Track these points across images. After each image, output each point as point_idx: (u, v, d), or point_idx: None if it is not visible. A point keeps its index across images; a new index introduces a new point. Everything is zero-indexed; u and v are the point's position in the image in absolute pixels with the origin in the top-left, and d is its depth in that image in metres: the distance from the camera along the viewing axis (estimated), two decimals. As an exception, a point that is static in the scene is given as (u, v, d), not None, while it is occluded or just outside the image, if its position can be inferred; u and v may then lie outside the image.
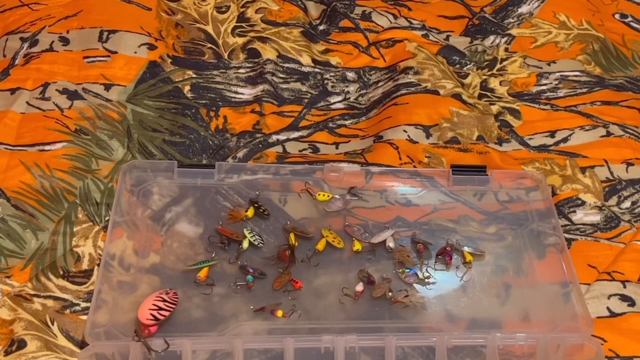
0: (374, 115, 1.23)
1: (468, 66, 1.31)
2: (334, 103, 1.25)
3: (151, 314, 0.90)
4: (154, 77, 1.23)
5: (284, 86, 1.26)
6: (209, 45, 1.30)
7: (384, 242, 1.02)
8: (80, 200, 1.07)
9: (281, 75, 1.27)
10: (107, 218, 1.05)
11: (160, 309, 0.91)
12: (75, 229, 1.04)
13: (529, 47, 1.34)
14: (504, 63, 1.31)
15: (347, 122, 1.22)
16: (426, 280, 0.99)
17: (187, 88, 1.23)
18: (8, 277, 0.98)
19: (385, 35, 1.34)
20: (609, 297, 1.01)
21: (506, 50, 1.33)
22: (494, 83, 1.28)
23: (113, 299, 0.93)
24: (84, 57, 1.24)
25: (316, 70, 1.29)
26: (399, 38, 1.33)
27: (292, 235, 1.01)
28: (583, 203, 1.11)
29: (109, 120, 1.17)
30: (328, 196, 1.07)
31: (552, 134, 1.20)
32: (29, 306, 0.95)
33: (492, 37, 1.36)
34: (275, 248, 1.01)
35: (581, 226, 1.09)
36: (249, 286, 0.96)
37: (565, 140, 1.19)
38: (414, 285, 0.98)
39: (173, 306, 0.92)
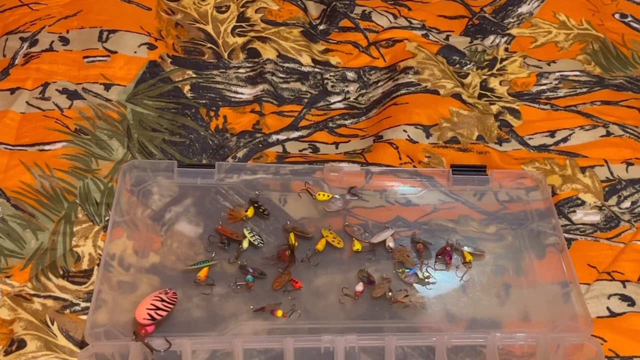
0: (374, 115, 1.23)
1: (468, 66, 1.31)
2: (334, 103, 1.25)
3: (148, 314, 0.90)
4: (154, 77, 1.23)
5: (284, 86, 1.26)
6: (209, 45, 1.30)
7: (384, 242, 1.02)
8: (80, 200, 1.07)
9: (281, 75, 1.27)
10: (107, 218, 1.05)
11: (158, 308, 0.91)
12: (75, 229, 1.04)
13: (529, 47, 1.34)
14: (504, 63, 1.31)
15: (347, 122, 1.22)
16: (426, 280, 0.99)
17: (187, 88, 1.23)
18: (8, 277, 0.98)
19: (385, 35, 1.34)
20: (609, 297, 1.01)
21: (506, 50, 1.33)
22: (493, 83, 1.28)
23: (113, 298, 0.93)
24: (84, 57, 1.24)
25: (316, 70, 1.29)
26: (399, 38, 1.33)
27: (292, 235, 1.01)
28: (583, 203, 1.11)
29: (109, 120, 1.17)
30: (328, 196, 1.07)
31: (552, 133, 1.20)
32: (29, 306, 0.95)
33: (492, 37, 1.36)
34: (275, 248, 1.01)
35: (581, 226, 1.09)
36: (249, 286, 0.96)
37: (565, 140, 1.19)
38: (414, 285, 0.99)
39: (171, 306, 0.92)
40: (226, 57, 1.29)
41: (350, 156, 1.16)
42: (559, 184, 1.13)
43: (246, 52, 1.30)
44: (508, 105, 1.25)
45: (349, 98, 1.26)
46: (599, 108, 1.24)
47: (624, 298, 1.01)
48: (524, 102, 1.25)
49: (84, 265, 1.00)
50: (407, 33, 1.34)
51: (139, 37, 1.27)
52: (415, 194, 1.10)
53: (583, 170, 1.15)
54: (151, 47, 1.27)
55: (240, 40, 1.31)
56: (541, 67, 1.30)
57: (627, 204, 1.12)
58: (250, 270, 0.98)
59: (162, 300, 0.92)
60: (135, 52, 1.25)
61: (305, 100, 1.25)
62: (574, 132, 1.20)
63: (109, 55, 1.24)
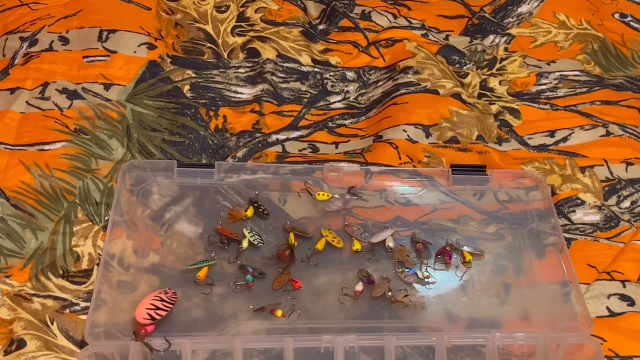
0: (374, 115, 1.23)
1: (468, 66, 1.31)
2: (334, 103, 1.25)
3: (148, 314, 0.90)
4: (154, 77, 1.23)
5: (284, 86, 1.26)
6: (209, 45, 1.30)
7: (384, 242, 1.02)
8: (80, 200, 1.07)
9: (281, 75, 1.27)
10: (107, 218, 1.05)
11: (158, 308, 0.91)
12: (75, 229, 1.04)
13: (529, 47, 1.34)
14: (504, 63, 1.31)
15: (347, 122, 1.22)
16: (426, 280, 0.99)
17: (187, 88, 1.23)
18: (8, 277, 0.98)
19: (385, 35, 1.34)
20: (609, 297, 1.01)
21: (506, 50, 1.33)
22: (493, 83, 1.28)
23: (113, 299, 0.93)
24: (84, 57, 1.24)
25: (316, 70, 1.29)
26: (399, 38, 1.33)
27: (292, 235, 1.01)
28: (583, 203, 1.11)
29: (108, 120, 1.17)
30: (328, 196, 1.07)
31: (552, 133, 1.20)
32: (29, 306, 0.95)
33: (492, 37, 1.36)
34: (275, 248, 1.01)
35: (581, 226, 1.09)
36: (248, 286, 0.96)
37: (565, 140, 1.19)
38: (414, 285, 0.99)
39: (171, 306, 0.92)
40: (226, 57, 1.29)
41: (350, 156, 1.16)
42: (559, 184, 1.13)
43: (246, 52, 1.30)
44: (508, 105, 1.25)
45: (349, 98, 1.26)
46: (599, 108, 1.24)
47: (624, 298, 1.01)
48: (524, 102, 1.25)
49: (84, 265, 1.00)
50: (407, 33, 1.34)
51: (139, 37, 1.27)
52: (415, 194, 1.10)
53: (583, 170, 1.15)
54: (151, 47, 1.27)
55: (240, 40, 1.31)
56: (541, 67, 1.30)
57: (627, 204, 1.12)
58: (250, 270, 0.98)
59: (162, 300, 0.92)
60: (135, 52, 1.25)
61: (305, 100, 1.25)
62: (573, 132, 1.20)
63: (109, 55, 1.24)
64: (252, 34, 1.32)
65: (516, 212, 1.08)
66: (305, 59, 1.30)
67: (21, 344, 0.92)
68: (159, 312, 0.90)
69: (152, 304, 0.91)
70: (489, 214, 1.08)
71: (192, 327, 0.92)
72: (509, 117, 1.23)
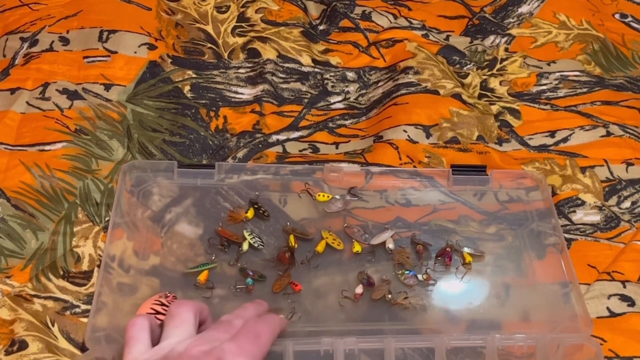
0: (374, 115, 1.23)
1: (468, 66, 1.31)
2: (334, 103, 1.25)
3: (149, 318, 0.90)
4: (154, 77, 1.23)
5: (284, 86, 1.26)
6: (209, 45, 1.30)
7: (384, 243, 1.02)
8: (80, 200, 1.07)
9: (281, 75, 1.27)
10: (107, 218, 1.05)
11: (158, 313, 0.91)
12: (75, 229, 1.04)
13: (529, 47, 1.34)
14: (504, 63, 1.31)
15: (347, 122, 1.22)
16: (426, 281, 0.99)
17: (187, 88, 1.23)
18: (8, 277, 0.98)
19: (385, 35, 1.34)
20: (609, 297, 1.01)
21: (506, 50, 1.33)
22: (494, 83, 1.28)
23: (113, 301, 0.94)
24: (84, 57, 1.24)
25: (316, 70, 1.29)
26: (399, 38, 1.33)
27: (291, 237, 1.01)
28: (583, 203, 1.11)
29: (109, 120, 1.17)
30: (328, 197, 1.07)
31: (552, 133, 1.20)
32: (29, 307, 0.96)
33: (492, 37, 1.36)
34: (275, 249, 1.01)
35: (581, 226, 1.09)
36: (248, 289, 0.97)
37: (565, 140, 1.19)
38: (414, 286, 0.99)
39: (171, 309, 0.92)
40: (226, 57, 1.29)
41: (350, 156, 1.16)
42: (559, 184, 1.13)
43: (246, 52, 1.30)
44: (508, 105, 1.25)
45: (349, 98, 1.26)
46: (599, 108, 1.24)
47: (624, 298, 1.01)
48: (524, 102, 1.25)
49: (84, 266, 1.00)
50: (407, 33, 1.34)
51: (139, 37, 1.27)
52: (415, 194, 1.10)
53: (583, 170, 1.15)
54: (151, 47, 1.26)
55: (240, 41, 1.31)
56: (541, 67, 1.30)
57: (627, 204, 1.12)
58: (250, 273, 0.98)
59: (162, 305, 0.92)
60: (135, 52, 1.25)
61: (305, 100, 1.24)
62: (574, 132, 1.20)
63: (109, 56, 1.24)
64: (252, 34, 1.32)
65: (516, 212, 1.08)
66: (306, 59, 1.29)
67: (22, 344, 0.92)
68: (159, 316, 0.90)
69: (152, 308, 0.91)
70: (489, 214, 1.08)
71: (192, 329, 0.92)
72: (509, 117, 1.23)
